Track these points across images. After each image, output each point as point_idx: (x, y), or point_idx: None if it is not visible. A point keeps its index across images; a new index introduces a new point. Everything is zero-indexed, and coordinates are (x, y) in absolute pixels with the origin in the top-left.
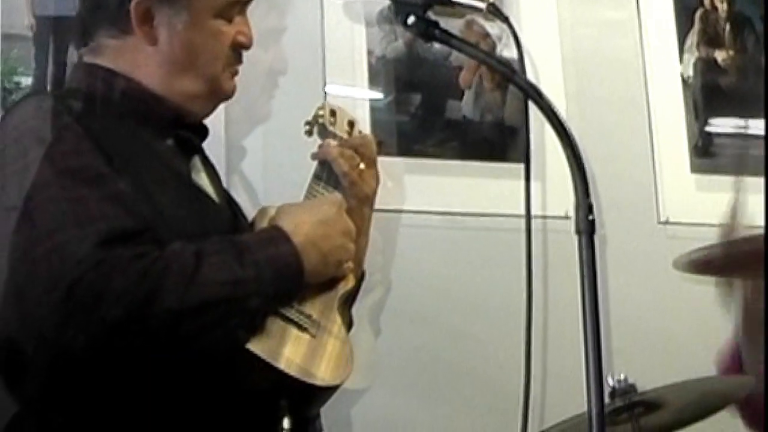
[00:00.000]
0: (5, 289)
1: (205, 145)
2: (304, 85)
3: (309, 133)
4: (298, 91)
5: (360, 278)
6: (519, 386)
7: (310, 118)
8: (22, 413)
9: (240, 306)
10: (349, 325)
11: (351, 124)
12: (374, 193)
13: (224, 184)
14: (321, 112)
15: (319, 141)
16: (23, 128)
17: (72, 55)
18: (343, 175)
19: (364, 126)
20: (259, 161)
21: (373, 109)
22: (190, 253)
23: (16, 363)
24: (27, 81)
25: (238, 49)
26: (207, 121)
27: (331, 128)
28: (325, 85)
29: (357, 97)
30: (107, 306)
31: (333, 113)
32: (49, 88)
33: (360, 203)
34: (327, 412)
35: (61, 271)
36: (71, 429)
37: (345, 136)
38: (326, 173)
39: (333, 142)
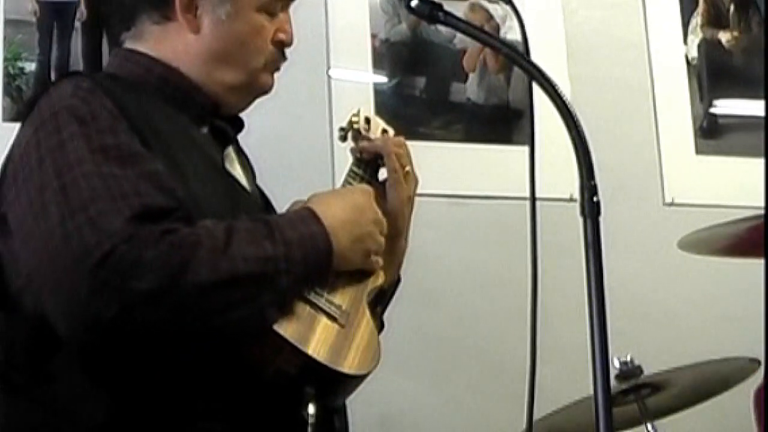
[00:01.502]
0: (38, 262)
1: None
2: (308, 69)
3: (343, 138)
4: (302, 76)
5: (396, 282)
6: (525, 368)
7: (344, 124)
8: (50, 385)
9: (269, 283)
10: (380, 327)
11: (384, 132)
12: (414, 194)
13: None
14: (355, 119)
15: (351, 144)
16: (60, 106)
17: (75, 39)
18: (392, 172)
19: (368, 110)
20: (263, 144)
21: (378, 93)
22: (221, 229)
23: (46, 337)
24: (31, 66)
25: (278, 46)
26: None
27: (365, 134)
28: (329, 69)
29: (361, 81)
30: (137, 278)
31: (367, 120)
32: (53, 73)
33: (402, 204)
34: None
35: (92, 244)
36: (98, 400)
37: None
38: (362, 171)
39: (385, 136)
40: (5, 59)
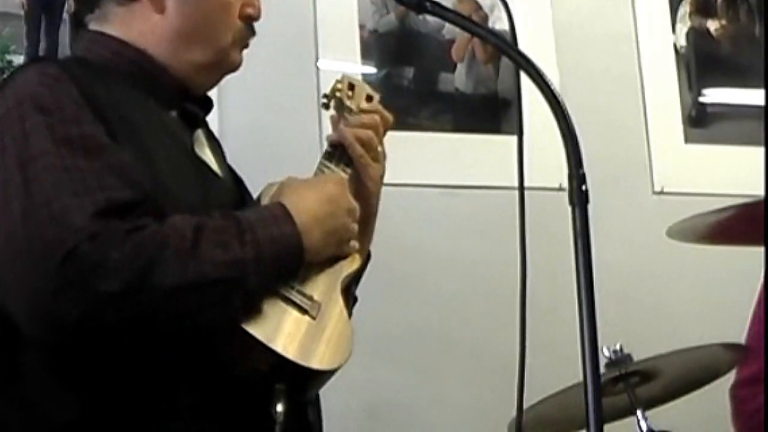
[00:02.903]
0: (1, 260)
1: None
2: (296, 61)
3: (326, 106)
4: (290, 67)
5: (366, 259)
6: (514, 357)
7: (328, 91)
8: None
9: (237, 286)
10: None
11: (369, 98)
12: (384, 171)
13: None
14: (339, 86)
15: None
16: (24, 94)
17: (64, 33)
18: (358, 158)
19: None
20: (252, 135)
21: (366, 83)
22: (190, 228)
23: (14, 334)
24: (19, 59)
25: (246, 21)
26: None
27: (348, 102)
28: (317, 60)
29: (349, 72)
30: (101, 279)
31: (351, 87)
32: None
33: (375, 185)
34: None
35: (56, 241)
36: (68, 398)
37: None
38: (338, 152)
39: (346, 126)
40: None
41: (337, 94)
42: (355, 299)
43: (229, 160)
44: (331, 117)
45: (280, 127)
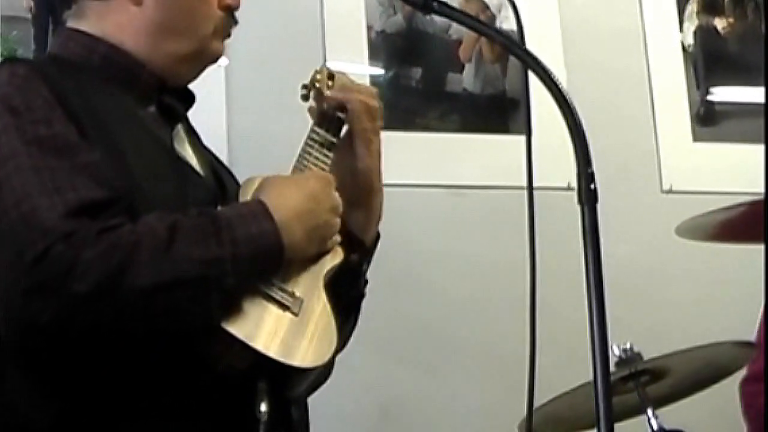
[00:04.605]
0: None
1: (205, 122)
2: (303, 62)
3: (305, 97)
4: (298, 68)
5: (375, 240)
6: (524, 356)
7: (307, 81)
8: None
9: (214, 285)
10: (363, 286)
11: None
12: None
13: (226, 161)
14: (318, 76)
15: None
16: None
17: None
18: (361, 131)
19: None
20: (260, 137)
21: (374, 84)
22: (164, 226)
23: None
24: None
25: (226, 10)
26: (207, 101)
27: (328, 93)
28: (325, 61)
29: (357, 73)
30: (74, 279)
31: (331, 77)
32: None
33: (374, 160)
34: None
35: (27, 242)
36: (45, 398)
37: None
38: (324, 131)
39: (355, 87)
40: (1, 55)
41: (317, 84)
42: (366, 282)
43: (237, 161)
44: (310, 109)
45: (288, 129)
